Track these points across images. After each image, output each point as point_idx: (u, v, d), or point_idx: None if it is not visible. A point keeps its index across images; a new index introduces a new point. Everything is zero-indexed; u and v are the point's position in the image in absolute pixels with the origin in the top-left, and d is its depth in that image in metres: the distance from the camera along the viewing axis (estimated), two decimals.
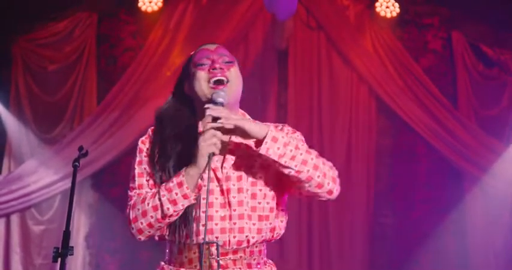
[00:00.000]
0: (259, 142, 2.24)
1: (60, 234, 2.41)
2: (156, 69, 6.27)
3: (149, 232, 2.34)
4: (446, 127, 6.16)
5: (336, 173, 2.34)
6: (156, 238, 2.44)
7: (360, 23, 6.44)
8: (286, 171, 2.23)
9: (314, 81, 6.38)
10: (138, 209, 2.32)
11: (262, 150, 2.20)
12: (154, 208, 2.27)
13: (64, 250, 2.37)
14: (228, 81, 2.37)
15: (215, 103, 2.28)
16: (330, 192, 2.33)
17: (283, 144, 2.22)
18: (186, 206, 2.26)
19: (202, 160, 2.21)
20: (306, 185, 2.27)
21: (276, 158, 2.20)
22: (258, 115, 2.61)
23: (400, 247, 6.14)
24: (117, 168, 6.20)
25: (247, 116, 2.51)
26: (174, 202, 2.24)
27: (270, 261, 2.50)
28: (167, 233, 2.38)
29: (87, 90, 6.32)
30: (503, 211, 6.07)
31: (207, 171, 2.25)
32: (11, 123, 6.23)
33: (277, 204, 2.42)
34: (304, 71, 6.39)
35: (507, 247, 6.00)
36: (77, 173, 2.59)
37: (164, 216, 2.26)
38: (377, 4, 6.34)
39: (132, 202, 2.38)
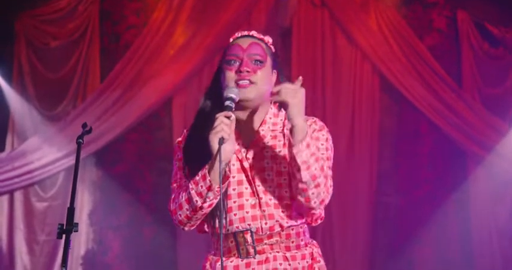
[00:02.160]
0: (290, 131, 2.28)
1: (64, 211, 2.43)
2: (159, 47, 6.25)
3: (190, 223, 2.39)
4: (450, 106, 6.14)
5: (328, 198, 2.36)
6: (197, 231, 2.51)
7: (365, 0, 6.39)
8: (297, 175, 2.27)
9: (317, 60, 6.35)
10: (176, 202, 2.38)
11: (295, 149, 2.24)
12: (187, 201, 2.32)
13: (69, 226, 2.38)
14: (252, 83, 2.39)
15: (226, 99, 2.33)
16: (311, 209, 2.36)
17: (311, 153, 2.26)
18: (215, 197, 2.29)
19: (214, 148, 2.24)
20: (297, 191, 2.31)
21: (299, 161, 2.24)
22: None
23: (403, 226, 6.15)
24: (121, 145, 6.22)
25: (276, 107, 2.52)
26: (200, 195, 2.28)
27: (314, 242, 2.53)
28: (206, 225, 2.45)
29: (90, 68, 6.31)
30: (507, 191, 6.06)
31: (233, 162, 2.36)
32: (14, 100, 6.23)
33: None
34: (307, 49, 6.36)
35: (510, 227, 6.01)
36: (81, 150, 2.59)
37: (195, 208, 2.31)
38: None
39: (173, 196, 2.43)
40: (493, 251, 6.03)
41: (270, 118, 2.50)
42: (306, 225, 2.48)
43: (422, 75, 6.19)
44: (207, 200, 2.28)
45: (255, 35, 2.56)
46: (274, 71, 2.52)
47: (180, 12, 6.30)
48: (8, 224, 6.16)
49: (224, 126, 2.23)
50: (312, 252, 2.45)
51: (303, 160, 2.24)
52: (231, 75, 2.40)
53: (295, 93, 2.27)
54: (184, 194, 2.34)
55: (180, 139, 2.54)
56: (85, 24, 6.34)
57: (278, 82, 2.52)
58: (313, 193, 2.30)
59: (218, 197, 2.29)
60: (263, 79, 2.42)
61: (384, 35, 6.30)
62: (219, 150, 2.22)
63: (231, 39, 2.54)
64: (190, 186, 2.31)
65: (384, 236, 6.20)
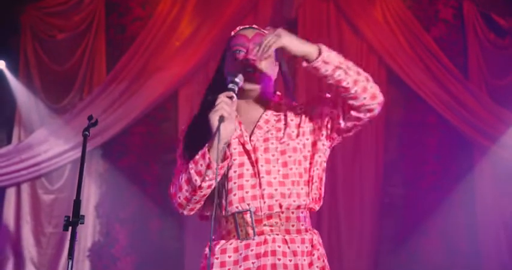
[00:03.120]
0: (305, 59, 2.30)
1: (70, 204, 2.43)
2: (165, 39, 6.25)
3: (189, 206, 2.40)
4: (456, 97, 6.12)
5: (378, 90, 2.36)
6: (199, 218, 2.52)
7: None
8: (344, 84, 2.28)
9: None
10: (176, 185, 2.39)
11: (322, 58, 2.25)
12: (187, 182, 2.33)
13: (75, 219, 2.40)
14: (258, 71, 2.42)
15: (230, 81, 2.36)
16: (381, 103, 2.38)
17: (336, 54, 2.30)
18: (214, 177, 2.28)
19: (214, 127, 2.25)
20: (361, 97, 2.32)
21: (337, 63, 2.25)
22: None
23: (409, 217, 6.14)
24: (127, 138, 6.23)
25: (280, 94, 2.58)
26: (199, 173, 2.29)
27: (315, 230, 2.52)
28: (206, 211, 2.45)
29: (96, 60, 6.31)
30: None
31: (235, 146, 2.38)
32: (21, 92, 6.23)
33: (312, 170, 2.45)
34: (313, 41, 6.30)
35: None
36: (87, 143, 2.60)
37: (195, 188, 2.31)
38: None
39: (173, 179, 2.44)
40: (499, 242, 6.02)
41: (274, 105, 2.53)
42: (307, 211, 2.47)
43: (429, 67, 6.17)
44: (206, 178, 2.28)
45: (257, 27, 2.58)
46: (277, 62, 2.55)
47: (185, 4, 6.30)
48: (15, 216, 6.17)
49: (224, 105, 2.25)
50: (312, 239, 2.44)
51: (338, 61, 2.27)
52: (236, 64, 2.44)
53: (277, 35, 2.26)
54: (184, 174, 2.34)
55: (183, 127, 2.56)
56: (91, 16, 6.34)
57: (280, 74, 2.55)
58: (371, 87, 2.33)
59: (218, 178, 2.29)
60: (267, 68, 2.46)
61: (390, 26, 6.28)
62: (218, 128, 2.22)
63: (233, 33, 2.57)
64: (190, 166, 2.32)
65: (390, 227, 6.19)
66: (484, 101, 6.12)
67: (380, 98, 2.35)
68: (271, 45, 2.25)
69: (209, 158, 2.27)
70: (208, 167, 2.27)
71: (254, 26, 2.59)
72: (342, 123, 2.42)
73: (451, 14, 6.37)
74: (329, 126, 2.45)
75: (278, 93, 2.59)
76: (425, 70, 6.17)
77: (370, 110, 2.37)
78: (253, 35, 2.49)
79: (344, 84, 2.27)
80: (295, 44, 2.27)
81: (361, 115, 2.37)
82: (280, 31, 2.27)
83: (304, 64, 2.30)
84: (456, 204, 6.08)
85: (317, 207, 2.49)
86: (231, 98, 2.29)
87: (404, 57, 6.20)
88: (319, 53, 2.26)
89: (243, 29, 2.56)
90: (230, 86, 2.34)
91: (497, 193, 6.06)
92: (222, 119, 2.23)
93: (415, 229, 6.07)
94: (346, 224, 6.12)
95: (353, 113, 2.37)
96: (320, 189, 2.49)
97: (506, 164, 5.98)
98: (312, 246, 2.42)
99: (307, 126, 2.47)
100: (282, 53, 2.53)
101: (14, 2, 6.20)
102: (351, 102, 2.33)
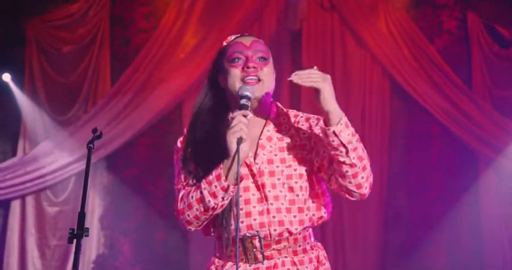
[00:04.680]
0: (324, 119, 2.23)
1: (75, 216, 2.43)
2: (169, 50, 6.27)
3: (197, 223, 2.35)
4: (460, 108, 6.11)
5: (368, 183, 2.31)
6: (203, 234, 2.48)
7: (374, 3, 6.38)
8: (341, 159, 2.21)
9: (327, 62, 6.34)
10: (185, 202, 2.32)
11: (336, 129, 2.18)
12: (198, 201, 2.28)
13: (79, 231, 2.38)
14: (260, 80, 2.36)
15: (241, 97, 2.28)
16: (363, 196, 2.33)
17: (352, 133, 2.22)
18: (228, 198, 2.26)
19: (232, 148, 2.19)
20: (347, 180, 2.26)
21: (345, 142, 2.18)
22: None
23: (414, 229, 6.13)
24: (131, 150, 6.24)
25: (279, 104, 2.52)
26: (214, 195, 2.24)
27: (318, 244, 2.49)
28: (212, 229, 2.41)
29: (101, 72, 6.34)
30: None
31: (247, 161, 2.31)
32: (26, 104, 6.26)
33: (316, 193, 2.41)
34: (317, 52, 6.36)
35: None
36: (91, 155, 2.60)
37: (207, 208, 2.27)
38: None
39: (180, 195, 2.37)
40: (504, 253, 6.00)
41: (273, 117, 2.47)
42: (311, 229, 2.45)
43: (433, 78, 6.17)
44: (220, 200, 2.25)
45: (252, 35, 2.53)
46: (274, 70, 2.49)
47: (189, 16, 6.31)
48: (20, 228, 6.18)
49: (243, 125, 2.19)
50: (318, 256, 2.43)
51: (347, 140, 2.19)
52: (236, 72, 2.37)
53: (324, 78, 2.22)
54: (195, 193, 2.29)
55: (181, 139, 2.50)
56: (96, 29, 6.37)
57: (277, 81, 2.51)
58: (362, 177, 2.26)
59: (230, 198, 2.27)
60: (268, 75, 2.40)
61: (393, 37, 6.29)
62: (237, 150, 2.17)
63: (225, 43, 2.51)
64: (203, 186, 2.26)
65: (394, 239, 6.18)
66: (489, 112, 6.11)
67: (364, 191, 2.30)
68: (312, 80, 2.21)
69: (225, 180, 2.23)
70: (224, 189, 2.23)
71: (249, 34, 2.55)
72: (326, 177, 2.38)
73: (455, 25, 6.37)
74: (317, 168, 2.40)
75: (273, 101, 2.52)
76: (429, 81, 6.16)
77: (349, 194, 2.33)
78: (250, 43, 2.43)
79: (340, 159, 2.22)
80: (329, 97, 2.20)
81: (342, 189, 2.33)
82: (328, 77, 2.23)
83: (321, 123, 2.25)
84: (461, 215, 6.06)
85: (327, 217, 2.46)
86: (246, 116, 2.22)
87: (408, 68, 6.20)
88: (338, 122, 2.20)
89: (239, 36, 2.51)
90: (243, 101, 2.27)
91: (502, 204, 6.04)
92: (240, 140, 2.17)
93: (419, 241, 6.05)
94: (351, 236, 6.11)
95: (337, 181, 2.32)
96: (326, 204, 2.45)
97: (511, 174, 5.96)
98: (318, 262, 2.42)
99: (307, 149, 2.41)
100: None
101: (19, 14, 6.23)
102: (337, 176, 2.29)
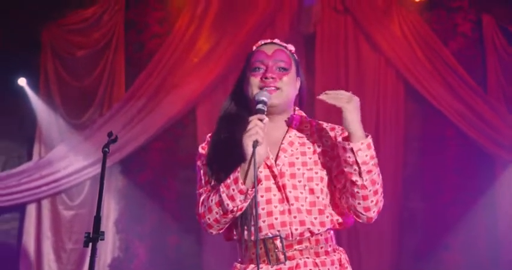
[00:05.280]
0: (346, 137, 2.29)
1: (90, 219, 2.44)
2: (183, 55, 6.29)
3: (218, 226, 2.38)
4: (475, 111, 6.09)
5: (377, 208, 2.35)
6: (225, 239, 2.51)
7: (388, 6, 6.38)
8: (354, 178, 2.26)
9: (341, 66, 6.34)
10: (205, 206, 2.36)
11: (355, 146, 2.22)
12: (217, 204, 2.31)
13: (95, 235, 2.39)
14: (278, 88, 2.40)
15: (258, 102, 2.31)
16: (370, 219, 2.38)
17: (371, 156, 2.26)
18: (246, 201, 2.29)
19: (248, 151, 2.22)
20: (356, 201, 2.30)
21: (360, 161, 2.23)
22: None
23: (429, 232, 6.11)
24: (146, 154, 6.25)
25: (303, 113, 2.55)
26: (232, 198, 2.27)
27: (340, 248, 2.51)
28: (234, 233, 2.43)
29: (115, 76, 6.37)
30: None
31: (261, 169, 2.33)
32: (41, 108, 6.29)
33: (338, 201, 2.42)
34: (331, 55, 6.36)
35: None
36: (106, 159, 2.61)
37: (226, 211, 2.30)
38: None
39: (201, 199, 2.41)
40: None
41: (296, 125, 2.50)
42: (332, 231, 2.47)
43: (447, 80, 6.15)
44: (239, 203, 2.27)
45: (278, 43, 2.56)
46: (298, 78, 2.52)
47: (203, 20, 6.33)
48: (35, 232, 6.21)
49: (258, 129, 2.21)
50: (340, 258, 2.44)
51: (363, 160, 2.23)
52: (255, 81, 2.41)
53: (350, 99, 2.27)
54: (214, 197, 2.32)
55: (203, 144, 2.53)
56: (110, 34, 6.40)
57: (302, 90, 2.53)
58: (372, 201, 2.30)
59: (248, 201, 2.29)
60: (288, 84, 2.43)
61: (407, 40, 6.28)
62: (253, 153, 2.20)
63: (254, 47, 2.55)
64: (221, 189, 2.29)
65: (410, 242, 6.16)
66: (503, 114, 6.09)
67: (372, 215, 2.34)
68: (336, 99, 2.27)
69: (242, 183, 2.25)
70: (241, 192, 2.26)
71: (276, 40, 2.57)
72: (339, 195, 2.41)
73: (469, 27, 6.34)
74: (335, 176, 2.42)
75: (298, 109, 2.56)
76: (444, 84, 6.15)
77: (357, 216, 2.38)
78: (272, 52, 2.47)
79: (353, 178, 2.26)
80: (352, 119, 2.25)
81: (350, 209, 2.37)
82: (355, 99, 2.28)
83: (343, 140, 2.28)
84: (477, 218, 6.03)
85: (348, 223, 2.47)
86: (262, 120, 2.25)
87: (422, 70, 6.18)
88: (359, 142, 2.24)
89: (264, 44, 2.54)
90: (259, 106, 2.30)
91: None
92: (256, 144, 2.20)
93: (435, 244, 6.03)
94: (366, 239, 6.09)
95: (347, 201, 2.36)
96: (347, 214, 2.45)
97: None
98: (340, 265, 2.43)
99: (330, 155, 2.44)
100: (301, 70, 2.52)
101: (34, 19, 6.27)
102: (348, 195, 2.32)
